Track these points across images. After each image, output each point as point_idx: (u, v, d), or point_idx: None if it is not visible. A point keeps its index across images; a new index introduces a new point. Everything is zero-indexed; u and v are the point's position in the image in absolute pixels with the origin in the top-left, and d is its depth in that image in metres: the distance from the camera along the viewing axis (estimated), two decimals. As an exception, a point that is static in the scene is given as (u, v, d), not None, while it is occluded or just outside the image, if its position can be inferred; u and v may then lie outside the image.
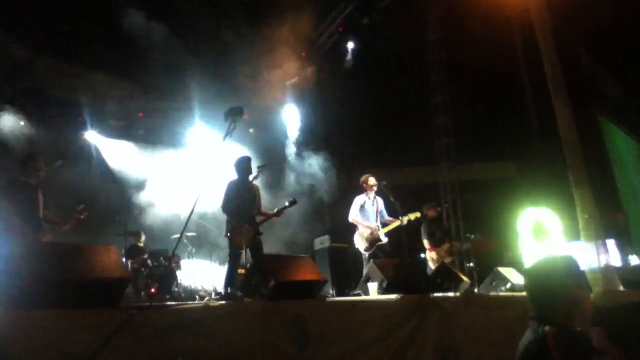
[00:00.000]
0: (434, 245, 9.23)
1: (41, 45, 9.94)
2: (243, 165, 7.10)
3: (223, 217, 7.66)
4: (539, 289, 2.36)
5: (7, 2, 8.54)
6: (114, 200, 11.14)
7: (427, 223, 9.36)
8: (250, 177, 7.15)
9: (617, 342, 1.80)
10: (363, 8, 10.98)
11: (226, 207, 6.96)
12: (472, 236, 9.80)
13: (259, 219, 7.13)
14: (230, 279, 6.89)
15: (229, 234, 6.94)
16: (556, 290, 2.27)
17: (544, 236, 9.74)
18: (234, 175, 7.22)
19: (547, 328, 2.17)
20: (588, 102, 10.78)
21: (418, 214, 8.10)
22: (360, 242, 8.18)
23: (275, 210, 7.06)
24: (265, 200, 11.58)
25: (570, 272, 2.31)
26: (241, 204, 6.91)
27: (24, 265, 3.38)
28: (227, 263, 7.14)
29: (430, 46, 13.49)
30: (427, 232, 9.31)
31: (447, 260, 8.85)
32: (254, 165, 7.19)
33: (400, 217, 7.61)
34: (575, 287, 2.27)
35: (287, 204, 7.00)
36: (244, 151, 12.82)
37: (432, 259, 9.10)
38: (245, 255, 6.57)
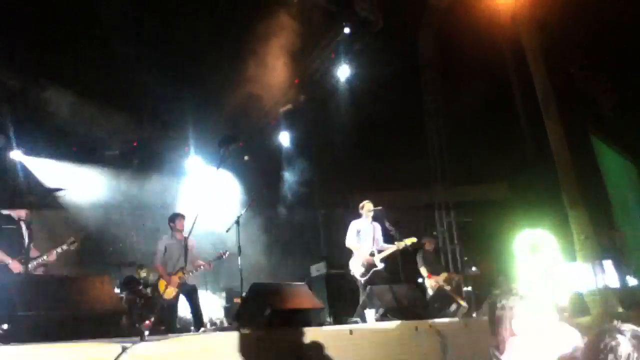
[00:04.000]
0: (432, 273, 9.22)
1: (35, 73, 9.96)
2: (175, 222, 7.33)
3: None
4: None
5: (1, 29, 8.56)
6: (108, 230, 11.07)
7: (423, 252, 9.38)
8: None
9: None
10: (355, 34, 11.10)
11: (155, 261, 7.19)
12: (474, 268, 9.81)
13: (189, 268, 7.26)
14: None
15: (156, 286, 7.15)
16: None
17: (540, 257, 9.70)
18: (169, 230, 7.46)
19: None
20: (580, 121, 10.85)
21: (414, 239, 8.04)
22: (356, 268, 8.11)
23: (206, 262, 7.40)
24: (259, 227, 11.59)
25: None
26: (171, 257, 7.13)
27: (15, 298, 3.34)
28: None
29: (422, 68, 13.62)
30: (424, 260, 9.32)
31: (447, 289, 8.79)
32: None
33: (396, 243, 7.55)
34: None
35: (216, 256, 7.26)
36: (237, 179, 12.89)
37: (432, 287, 9.07)
38: (242, 285, 6.50)
